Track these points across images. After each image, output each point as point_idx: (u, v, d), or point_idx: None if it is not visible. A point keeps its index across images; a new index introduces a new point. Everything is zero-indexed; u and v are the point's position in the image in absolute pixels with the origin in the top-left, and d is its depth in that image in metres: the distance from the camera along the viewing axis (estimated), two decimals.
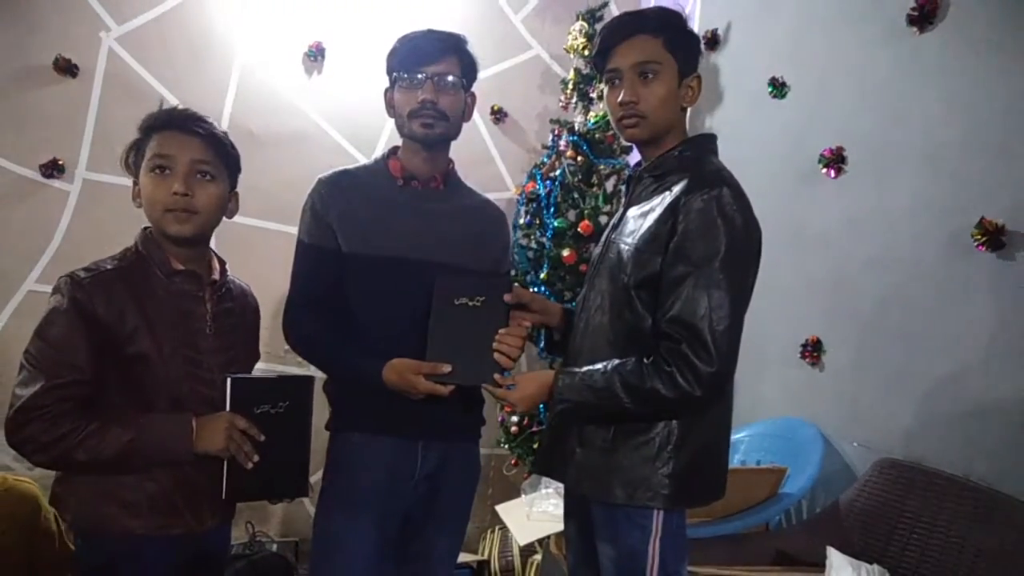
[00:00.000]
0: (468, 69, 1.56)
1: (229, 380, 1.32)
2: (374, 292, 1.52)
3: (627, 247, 1.34)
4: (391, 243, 1.51)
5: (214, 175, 1.37)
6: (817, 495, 2.22)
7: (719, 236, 1.22)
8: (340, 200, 1.54)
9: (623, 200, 1.49)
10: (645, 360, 1.25)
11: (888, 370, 2.08)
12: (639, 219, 1.35)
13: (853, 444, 2.17)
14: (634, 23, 1.36)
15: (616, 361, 1.29)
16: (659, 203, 1.32)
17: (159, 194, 1.32)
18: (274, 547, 2.84)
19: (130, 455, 1.26)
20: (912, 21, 2.02)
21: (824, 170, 2.29)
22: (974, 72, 1.87)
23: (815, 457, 2.13)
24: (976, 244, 1.81)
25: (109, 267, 1.34)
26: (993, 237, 1.77)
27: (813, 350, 2.32)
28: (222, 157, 1.39)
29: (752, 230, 1.28)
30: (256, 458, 1.31)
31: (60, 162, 2.91)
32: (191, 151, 1.34)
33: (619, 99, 1.35)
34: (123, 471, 1.29)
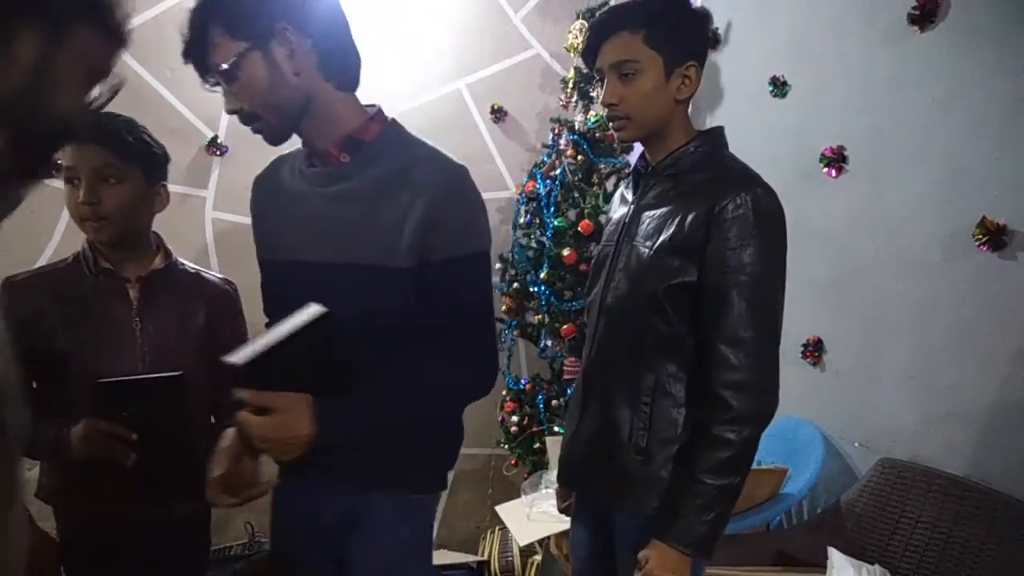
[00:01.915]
0: (235, 25, 1.14)
1: (94, 384, 1.29)
2: (270, 302, 1.33)
3: (647, 250, 1.28)
4: (277, 245, 1.27)
5: (120, 177, 1.38)
6: (818, 495, 2.22)
7: (761, 244, 1.20)
8: (256, 200, 1.35)
9: (631, 197, 1.41)
10: (702, 441, 1.21)
11: (889, 370, 2.07)
12: (660, 220, 1.29)
13: (854, 444, 2.17)
14: (614, 21, 1.31)
15: (683, 467, 1.23)
16: (685, 206, 1.26)
17: (71, 205, 1.39)
18: None
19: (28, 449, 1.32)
20: (913, 20, 2.01)
21: (825, 169, 2.28)
22: (975, 71, 1.86)
23: (816, 457, 2.13)
24: (977, 244, 1.80)
25: (46, 269, 1.45)
26: (994, 237, 1.77)
27: (814, 350, 2.31)
28: (128, 156, 1.39)
29: (784, 226, 1.27)
30: (132, 457, 1.28)
31: (58, 161, 2.90)
32: (90, 159, 1.37)
33: (602, 100, 1.32)
34: (36, 459, 1.41)
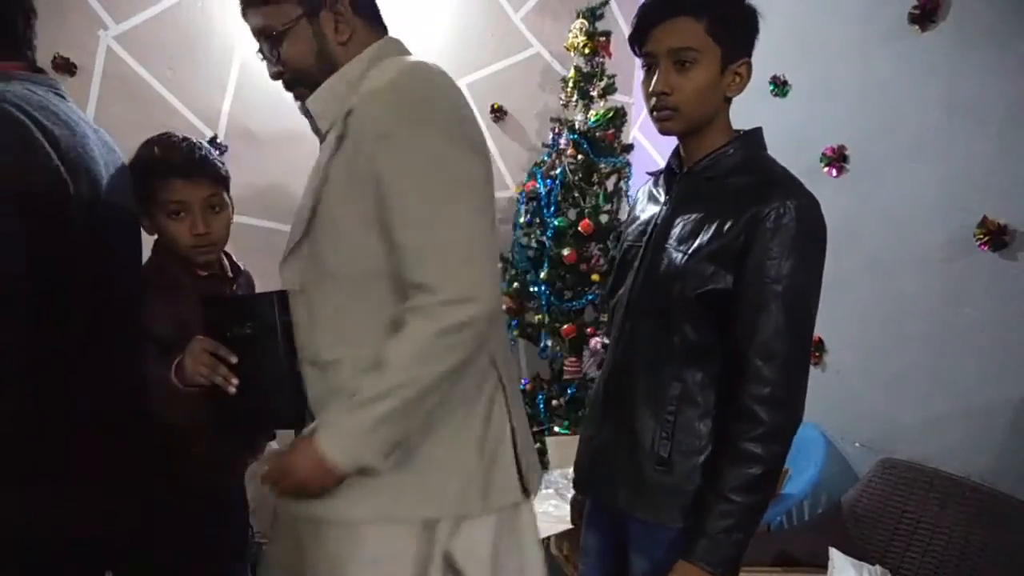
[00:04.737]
0: None
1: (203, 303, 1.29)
2: None
3: (681, 254, 1.21)
4: None
5: (222, 205, 1.47)
6: (819, 495, 2.22)
7: (803, 256, 1.14)
8: None
9: (663, 197, 1.33)
10: (729, 456, 1.17)
11: (890, 370, 2.07)
12: (695, 224, 1.22)
13: (855, 444, 2.17)
14: (674, 2, 1.20)
15: (708, 483, 1.19)
16: (723, 210, 1.19)
17: (181, 235, 1.42)
18: None
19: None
20: (914, 20, 2.01)
21: (825, 169, 2.28)
22: (976, 71, 1.86)
23: (817, 457, 2.13)
24: (978, 243, 1.80)
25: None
26: (995, 236, 1.77)
27: (815, 350, 2.31)
28: (223, 184, 1.48)
29: (825, 239, 1.19)
30: (235, 381, 1.23)
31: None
32: (201, 192, 1.42)
33: (651, 88, 1.22)
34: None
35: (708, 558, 1.14)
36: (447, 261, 1.01)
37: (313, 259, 1.11)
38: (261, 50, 1.18)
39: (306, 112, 1.18)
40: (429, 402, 1.05)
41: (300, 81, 1.16)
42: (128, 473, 1.31)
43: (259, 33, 1.15)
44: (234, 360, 1.24)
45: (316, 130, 1.19)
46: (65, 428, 1.16)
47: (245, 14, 1.16)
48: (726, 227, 1.17)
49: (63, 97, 1.24)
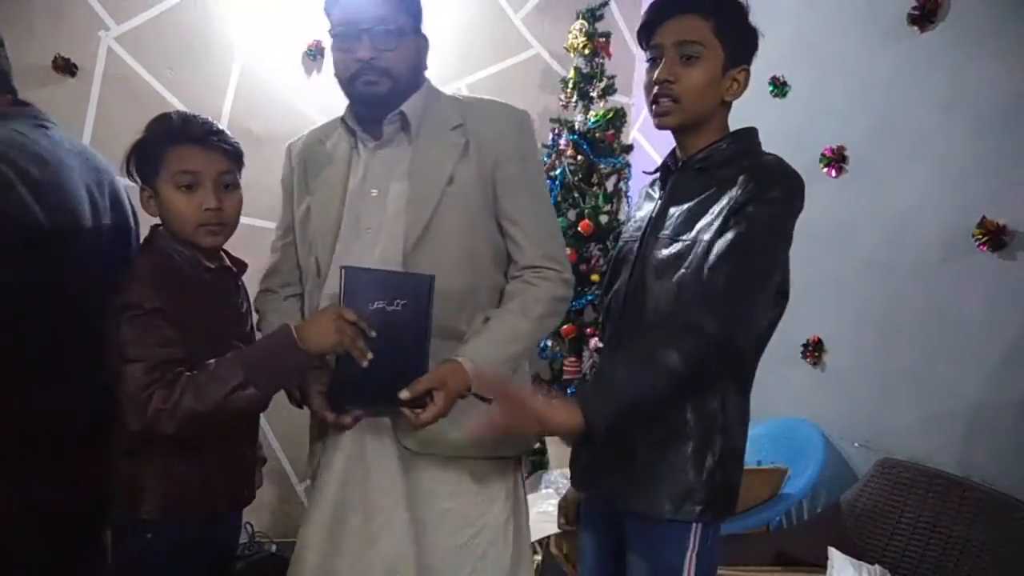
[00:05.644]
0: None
1: (343, 270, 1.25)
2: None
3: (678, 244, 1.24)
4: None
5: (235, 184, 1.39)
6: (818, 495, 2.22)
7: (768, 211, 1.17)
8: None
9: (658, 194, 1.37)
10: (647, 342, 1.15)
11: (889, 370, 2.07)
12: (688, 213, 1.25)
13: (854, 444, 2.17)
14: (686, 0, 1.26)
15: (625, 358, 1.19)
16: (716, 198, 1.22)
17: (190, 210, 1.31)
18: (273, 548, 2.84)
19: (246, 386, 1.21)
20: (913, 20, 2.02)
21: (825, 169, 2.29)
22: (975, 71, 1.86)
23: (816, 457, 2.13)
24: (977, 244, 1.81)
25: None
26: (994, 237, 1.77)
27: (814, 350, 2.31)
28: (237, 163, 1.41)
29: (798, 206, 1.22)
30: (370, 356, 1.22)
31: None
32: (216, 165, 1.34)
33: (655, 77, 1.26)
34: (241, 411, 1.24)
35: (586, 402, 1.11)
36: (560, 250, 1.41)
37: (437, 246, 1.32)
38: (348, 36, 1.35)
39: (375, 104, 1.39)
40: (529, 350, 1.40)
41: (387, 74, 1.35)
42: (99, 481, 1.30)
43: (377, 20, 1.32)
44: (373, 334, 1.25)
45: (374, 125, 1.41)
46: (37, 438, 1.17)
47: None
48: (715, 213, 1.21)
49: (45, 127, 1.22)
